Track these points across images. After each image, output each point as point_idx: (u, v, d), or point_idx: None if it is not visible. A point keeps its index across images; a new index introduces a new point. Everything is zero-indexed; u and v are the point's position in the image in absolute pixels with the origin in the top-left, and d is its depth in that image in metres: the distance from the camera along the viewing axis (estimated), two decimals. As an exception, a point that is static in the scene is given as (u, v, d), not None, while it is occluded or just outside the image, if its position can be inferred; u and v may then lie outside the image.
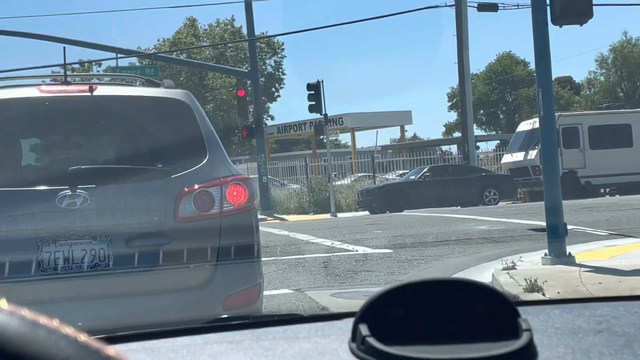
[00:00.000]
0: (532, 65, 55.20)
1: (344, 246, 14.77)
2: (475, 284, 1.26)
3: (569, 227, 11.05)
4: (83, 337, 0.66)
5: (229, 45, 60.85)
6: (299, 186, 36.34)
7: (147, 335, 1.37)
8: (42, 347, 0.63)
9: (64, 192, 5.03)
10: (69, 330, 0.66)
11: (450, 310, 1.24)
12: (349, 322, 1.35)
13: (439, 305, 1.24)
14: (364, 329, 1.19)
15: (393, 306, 1.23)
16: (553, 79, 12.07)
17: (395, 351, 1.14)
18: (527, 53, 74.12)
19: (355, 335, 1.22)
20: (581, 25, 11.26)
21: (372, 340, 1.18)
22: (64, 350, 0.64)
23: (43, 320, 0.66)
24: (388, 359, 1.13)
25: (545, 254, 10.66)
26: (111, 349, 0.67)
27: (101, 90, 5.56)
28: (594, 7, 11.28)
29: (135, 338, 1.36)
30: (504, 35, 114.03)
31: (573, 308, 1.37)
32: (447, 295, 1.24)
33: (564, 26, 11.21)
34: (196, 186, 5.22)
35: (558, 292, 8.17)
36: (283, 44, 64.91)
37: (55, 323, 0.65)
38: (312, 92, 29.28)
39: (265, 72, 63.17)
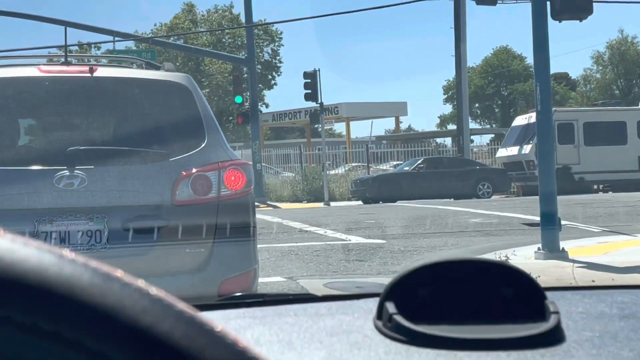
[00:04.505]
0: (529, 60, 55.17)
1: (337, 235, 14.77)
2: (502, 265, 1.26)
3: (562, 222, 11.05)
4: (155, 291, 0.66)
5: (227, 31, 60.69)
6: (293, 174, 36.31)
7: None
8: (117, 299, 0.63)
9: (62, 172, 5.01)
10: (141, 283, 0.65)
11: (476, 290, 1.23)
12: (368, 302, 1.34)
13: (465, 286, 1.23)
14: (390, 307, 1.18)
15: (419, 285, 1.23)
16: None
17: (422, 329, 1.14)
18: (524, 48, 74.26)
19: (381, 313, 1.21)
20: (581, 21, 11.28)
21: (399, 318, 1.17)
22: (138, 303, 0.63)
23: (116, 272, 0.65)
24: (416, 337, 1.13)
25: (539, 248, 10.64)
26: (181, 304, 0.67)
27: (101, 72, 5.54)
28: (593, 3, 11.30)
29: None
30: (501, 30, 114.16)
31: (592, 294, 1.37)
32: (473, 276, 1.24)
33: (560, 22, 11.23)
34: (194, 170, 5.21)
35: (551, 286, 8.18)
36: (282, 32, 64.86)
37: (128, 277, 0.65)
38: (309, 80, 29.26)
39: (262, 60, 63.03)
